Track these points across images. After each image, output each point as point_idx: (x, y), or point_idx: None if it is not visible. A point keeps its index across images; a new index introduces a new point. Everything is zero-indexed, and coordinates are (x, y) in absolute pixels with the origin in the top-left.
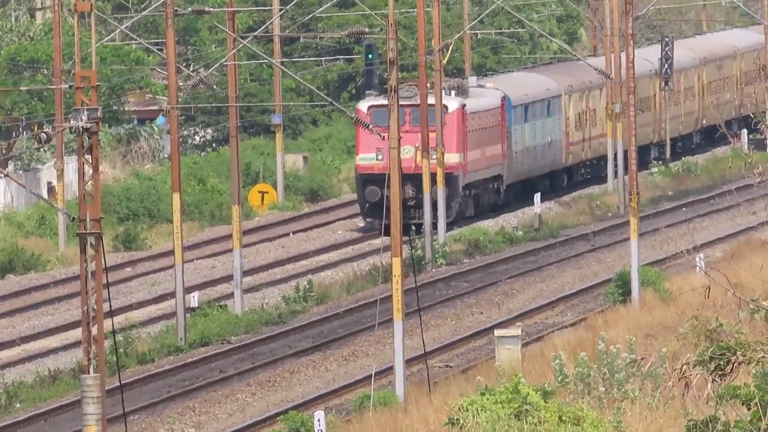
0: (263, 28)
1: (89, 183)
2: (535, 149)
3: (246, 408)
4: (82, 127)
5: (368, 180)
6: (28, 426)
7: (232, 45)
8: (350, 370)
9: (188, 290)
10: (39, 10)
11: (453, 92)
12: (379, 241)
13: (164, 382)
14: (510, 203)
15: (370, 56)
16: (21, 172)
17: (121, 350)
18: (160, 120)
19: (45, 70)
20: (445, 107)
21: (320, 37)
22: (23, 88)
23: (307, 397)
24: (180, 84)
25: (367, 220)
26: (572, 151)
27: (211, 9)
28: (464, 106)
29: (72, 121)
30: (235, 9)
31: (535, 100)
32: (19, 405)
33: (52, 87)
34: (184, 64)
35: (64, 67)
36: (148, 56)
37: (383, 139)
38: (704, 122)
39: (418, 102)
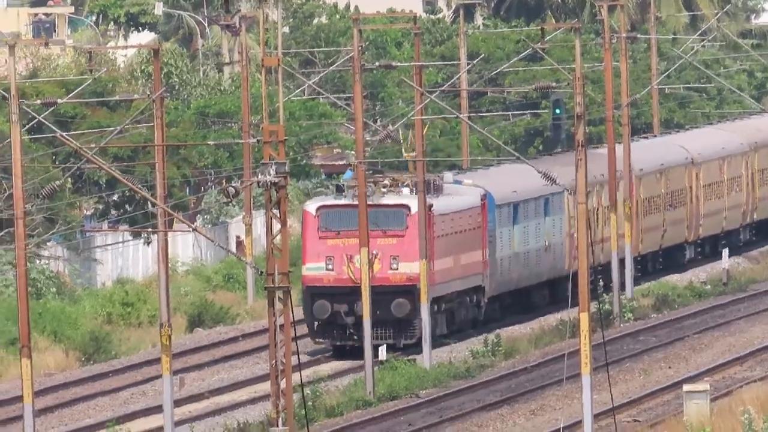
0: (450, 82)
1: (277, 237)
2: (527, 254)
3: None
4: (270, 182)
5: (317, 294)
6: None
7: (419, 99)
8: (538, 424)
9: (376, 344)
10: (227, 65)
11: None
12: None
13: None
14: (497, 318)
15: (557, 111)
16: (209, 226)
17: (310, 403)
18: (347, 174)
19: (233, 123)
20: (407, 208)
21: (507, 92)
22: (211, 142)
23: None
24: (367, 138)
25: (317, 340)
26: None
27: (399, 64)
28: (431, 207)
29: (260, 176)
30: (422, 63)
31: (528, 198)
32: None
33: (240, 141)
34: (372, 119)
35: (252, 121)
36: (336, 111)
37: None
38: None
39: (376, 202)
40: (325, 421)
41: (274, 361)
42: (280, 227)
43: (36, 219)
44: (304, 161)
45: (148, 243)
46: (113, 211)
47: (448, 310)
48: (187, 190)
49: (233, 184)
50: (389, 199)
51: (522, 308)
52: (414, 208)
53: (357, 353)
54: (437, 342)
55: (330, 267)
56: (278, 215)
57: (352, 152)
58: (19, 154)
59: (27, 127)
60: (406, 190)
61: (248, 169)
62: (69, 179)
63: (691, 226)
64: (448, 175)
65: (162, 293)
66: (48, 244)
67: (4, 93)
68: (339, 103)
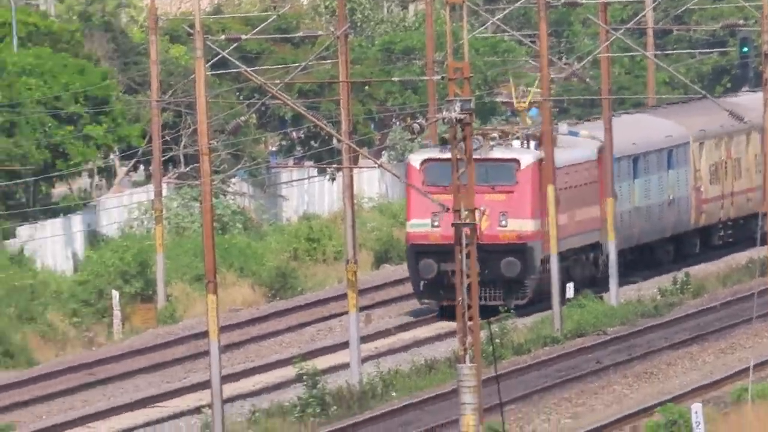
0: (636, 20)
1: (462, 173)
2: (649, 209)
3: (622, 399)
4: (455, 118)
5: (422, 252)
6: (404, 414)
7: (604, 37)
8: (728, 362)
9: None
10: (411, 1)
11: (533, 142)
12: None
13: (540, 372)
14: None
15: (744, 49)
16: (395, 162)
17: (497, 341)
18: (533, 112)
19: (418, 60)
20: (517, 162)
21: (693, 30)
22: (396, 79)
23: (684, 389)
24: (552, 76)
25: (423, 302)
26: (706, 210)
27: (584, 1)
28: (542, 160)
29: (445, 112)
30: (607, 0)
31: (649, 150)
32: (395, 394)
33: (425, 78)
34: (557, 57)
35: (437, 58)
36: (520, 48)
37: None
38: None
39: (484, 156)
40: (512, 358)
41: (461, 298)
42: (465, 164)
43: (221, 155)
44: (489, 99)
45: (333, 179)
46: (298, 148)
47: (563, 267)
48: (372, 127)
49: (418, 121)
50: (498, 153)
51: (645, 264)
52: (524, 162)
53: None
54: (604, 287)
55: (436, 224)
56: (464, 151)
57: (538, 90)
58: (203, 90)
59: (211, 63)
60: (516, 143)
61: (433, 105)
62: (254, 115)
63: None
64: (563, 127)
65: (348, 230)
66: (233, 180)
67: (188, 29)
68: (523, 40)
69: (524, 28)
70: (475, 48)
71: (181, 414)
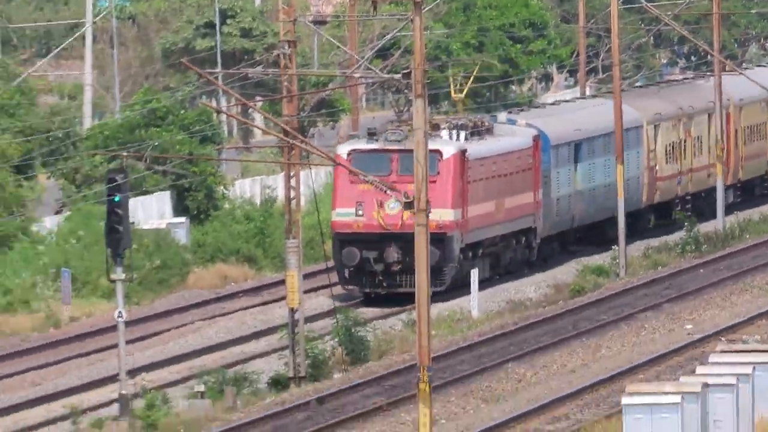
0: None
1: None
2: (593, 191)
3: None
4: None
5: (346, 240)
6: (755, 250)
7: None
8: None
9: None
10: None
11: (462, 133)
12: None
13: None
14: (553, 255)
15: None
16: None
17: None
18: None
19: None
20: (439, 153)
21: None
22: (753, 12)
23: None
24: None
25: (347, 287)
26: (661, 187)
27: None
28: (464, 152)
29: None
30: None
31: (594, 136)
32: (748, 236)
33: None
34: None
35: None
36: None
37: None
38: None
39: (408, 147)
40: None
41: None
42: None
43: (628, 65)
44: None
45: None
46: (682, 60)
47: (491, 254)
48: (735, 46)
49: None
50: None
51: (594, 243)
52: (446, 154)
53: (386, 301)
54: (540, 269)
55: (360, 213)
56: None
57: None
58: (616, 20)
59: None
60: (444, 133)
61: None
62: (651, 38)
63: None
64: (502, 115)
65: None
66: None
67: None
68: None
69: None
70: None
71: None
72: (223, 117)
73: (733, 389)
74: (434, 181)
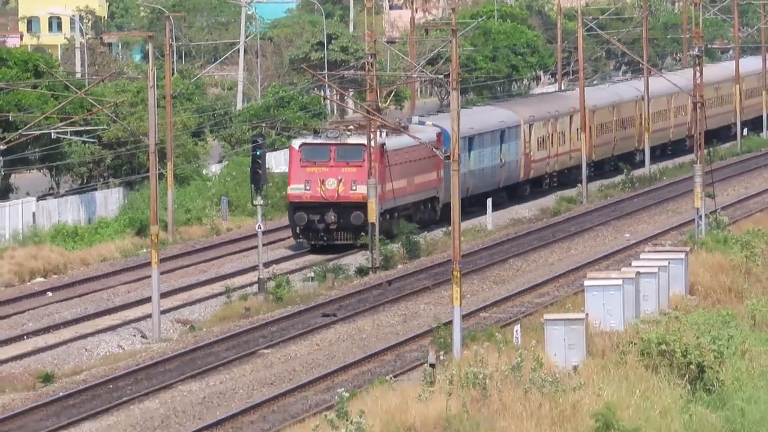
0: None
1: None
2: (482, 171)
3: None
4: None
5: (298, 207)
6: (669, 187)
7: None
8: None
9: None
10: None
11: (383, 131)
12: None
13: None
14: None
15: None
16: None
17: None
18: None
19: None
20: (364, 146)
21: None
22: (669, 36)
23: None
24: None
25: (298, 240)
26: (534, 167)
27: None
28: (383, 145)
29: None
30: None
31: (483, 132)
32: (665, 178)
33: None
34: None
35: None
36: None
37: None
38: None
39: (341, 141)
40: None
41: None
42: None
43: None
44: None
45: None
46: None
47: (406, 215)
48: None
49: None
50: (352, 140)
51: (483, 207)
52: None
53: (326, 250)
54: (442, 224)
55: (308, 188)
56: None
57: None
58: None
59: None
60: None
61: None
62: None
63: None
64: (415, 118)
65: None
66: None
67: None
68: None
69: None
70: None
71: None
72: (327, 102)
73: (656, 276)
74: (361, 166)
